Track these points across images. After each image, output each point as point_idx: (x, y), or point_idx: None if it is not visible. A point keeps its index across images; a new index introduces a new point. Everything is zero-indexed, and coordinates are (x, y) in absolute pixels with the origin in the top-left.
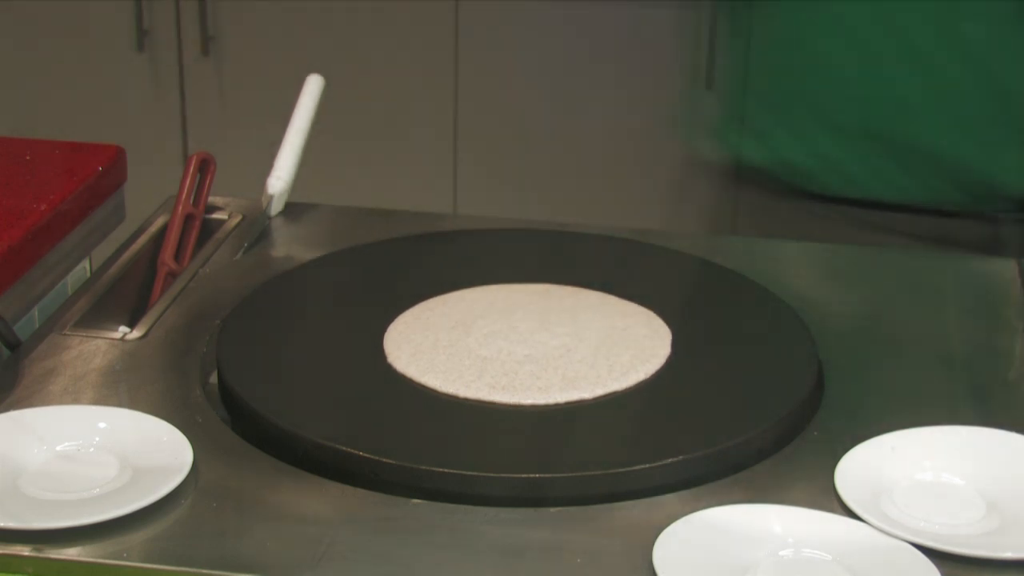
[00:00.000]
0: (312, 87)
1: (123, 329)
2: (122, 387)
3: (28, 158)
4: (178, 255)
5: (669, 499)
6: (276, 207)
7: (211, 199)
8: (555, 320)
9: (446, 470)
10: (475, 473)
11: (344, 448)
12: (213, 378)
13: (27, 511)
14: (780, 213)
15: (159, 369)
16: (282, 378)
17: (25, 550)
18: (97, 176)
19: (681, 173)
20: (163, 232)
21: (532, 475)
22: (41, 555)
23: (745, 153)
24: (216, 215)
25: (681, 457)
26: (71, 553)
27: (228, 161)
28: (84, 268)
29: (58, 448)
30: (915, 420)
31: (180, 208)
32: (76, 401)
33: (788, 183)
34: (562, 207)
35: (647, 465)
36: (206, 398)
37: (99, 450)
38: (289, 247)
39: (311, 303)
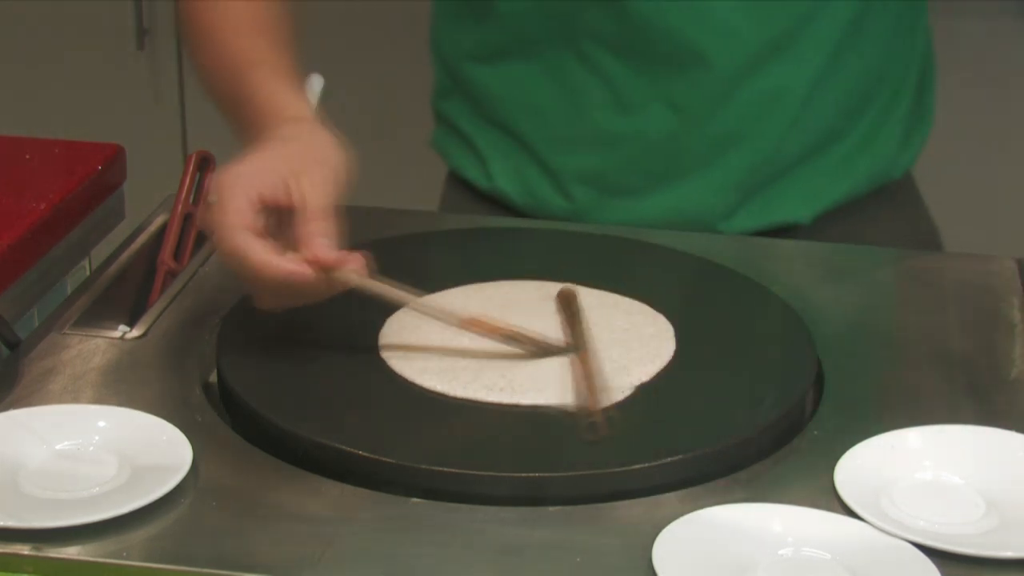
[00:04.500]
0: (312, 87)
1: (123, 328)
2: (122, 386)
3: (28, 158)
4: (177, 254)
5: (669, 499)
6: None
7: (211, 198)
8: (555, 319)
9: (445, 470)
10: (475, 473)
11: (344, 448)
12: (213, 377)
13: (27, 510)
14: None
15: (159, 368)
16: (282, 378)
17: (25, 549)
18: (97, 175)
19: None
20: (163, 231)
21: (532, 475)
22: (41, 554)
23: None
24: None
25: (681, 457)
26: (71, 552)
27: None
28: (84, 267)
29: (57, 447)
30: (915, 420)
31: (180, 207)
32: (76, 400)
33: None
34: None
35: (647, 465)
36: (206, 398)
37: (99, 449)
38: None
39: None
